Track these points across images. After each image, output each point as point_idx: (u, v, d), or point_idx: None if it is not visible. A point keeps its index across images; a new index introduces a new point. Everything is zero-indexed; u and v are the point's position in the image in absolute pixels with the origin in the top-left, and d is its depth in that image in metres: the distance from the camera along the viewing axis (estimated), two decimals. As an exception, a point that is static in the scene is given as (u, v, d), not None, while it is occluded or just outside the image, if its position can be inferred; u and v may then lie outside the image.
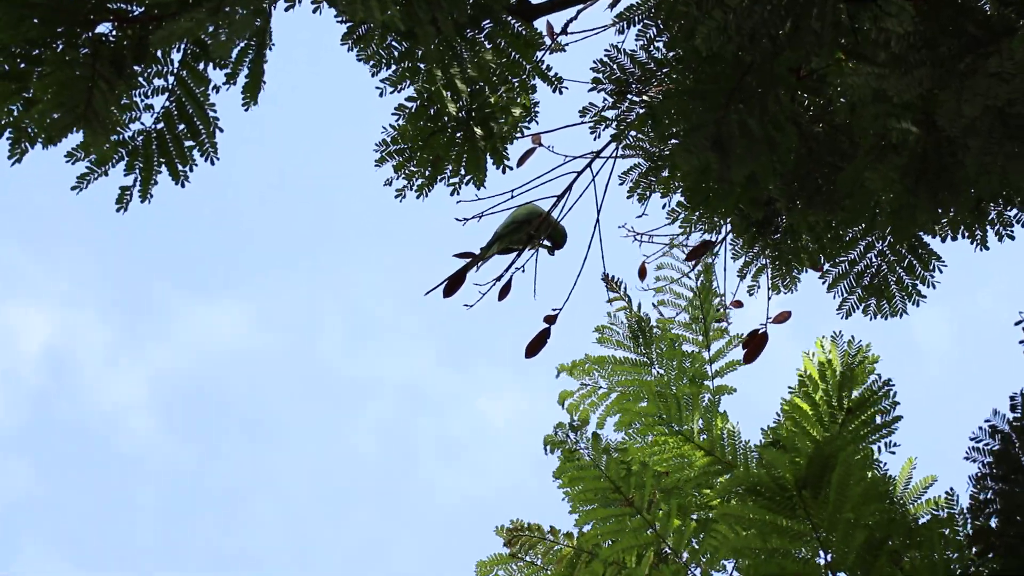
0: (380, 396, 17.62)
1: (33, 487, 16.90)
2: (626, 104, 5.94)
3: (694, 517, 6.26)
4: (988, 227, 5.90)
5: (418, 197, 6.00)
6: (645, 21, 5.79)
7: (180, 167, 5.33)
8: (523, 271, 6.52)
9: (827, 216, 5.97)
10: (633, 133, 6.03)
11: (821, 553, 5.55)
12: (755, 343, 6.59)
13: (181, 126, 5.27)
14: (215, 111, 5.29)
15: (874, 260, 6.25)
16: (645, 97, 5.91)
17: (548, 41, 5.95)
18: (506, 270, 6.48)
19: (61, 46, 4.82)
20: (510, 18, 5.68)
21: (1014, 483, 5.40)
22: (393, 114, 5.85)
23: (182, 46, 5.10)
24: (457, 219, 6.51)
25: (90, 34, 4.87)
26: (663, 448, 6.40)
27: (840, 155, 5.94)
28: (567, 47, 6.07)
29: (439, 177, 5.95)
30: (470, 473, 17.21)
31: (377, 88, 5.62)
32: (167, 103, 5.28)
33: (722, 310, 6.64)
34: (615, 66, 5.91)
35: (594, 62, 5.88)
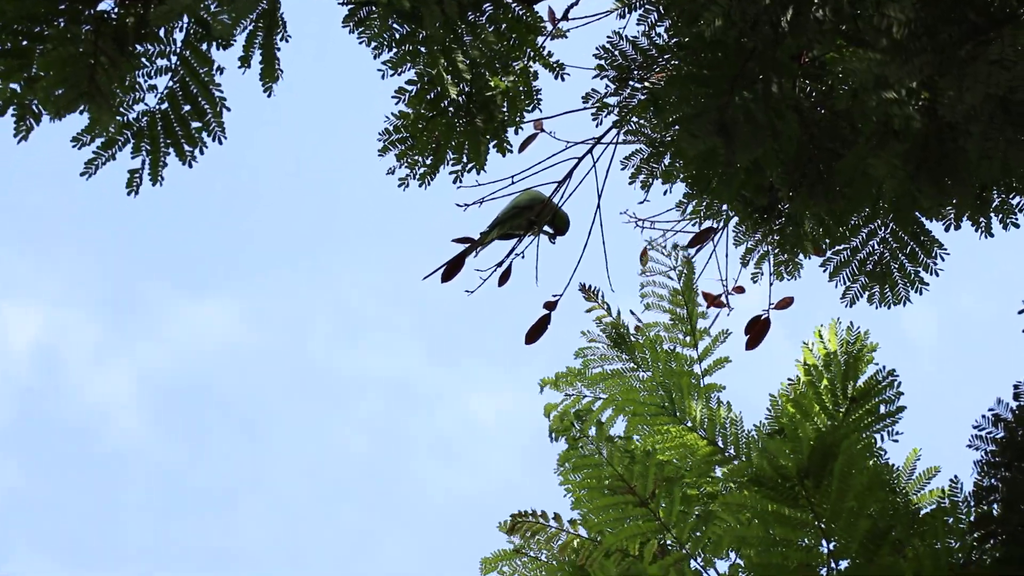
0: (370, 393, 17.60)
1: (21, 485, 16.89)
2: (628, 90, 5.95)
3: (697, 511, 6.24)
4: (992, 215, 5.90)
5: (420, 185, 6.00)
6: (646, 6, 5.80)
7: (187, 148, 5.34)
8: (523, 257, 6.53)
9: (829, 204, 5.97)
10: (635, 119, 6.03)
11: (823, 542, 5.55)
12: (757, 329, 6.59)
13: (186, 106, 5.27)
14: (221, 91, 5.29)
15: (877, 247, 6.25)
16: (647, 83, 5.91)
17: (549, 27, 5.95)
18: (507, 256, 6.48)
19: (63, 23, 4.83)
20: (512, 2, 5.68)
21: (1018, 470, 5.40)
22: (393, 97, 5.85)
23: (184, 25, 5.10)
24: (458, 205, 6.51)
25: (92, 11, 4.87)
26: (665, 437, 6.39)
27: (841, 141, 5.94)
28: (568, 33, 6.07)
29: (441, 164, 5.95)
30: (461, 470, 17.20)
31: (379, 70, 5.63)
32: (171, 83, 5.29)
33: (707, 306, 6.63)
34: (617, 52, 5.92)
35: (597, 48, 5.90)
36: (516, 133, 5.93)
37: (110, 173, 5.40)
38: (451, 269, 6.52)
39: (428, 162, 5.95)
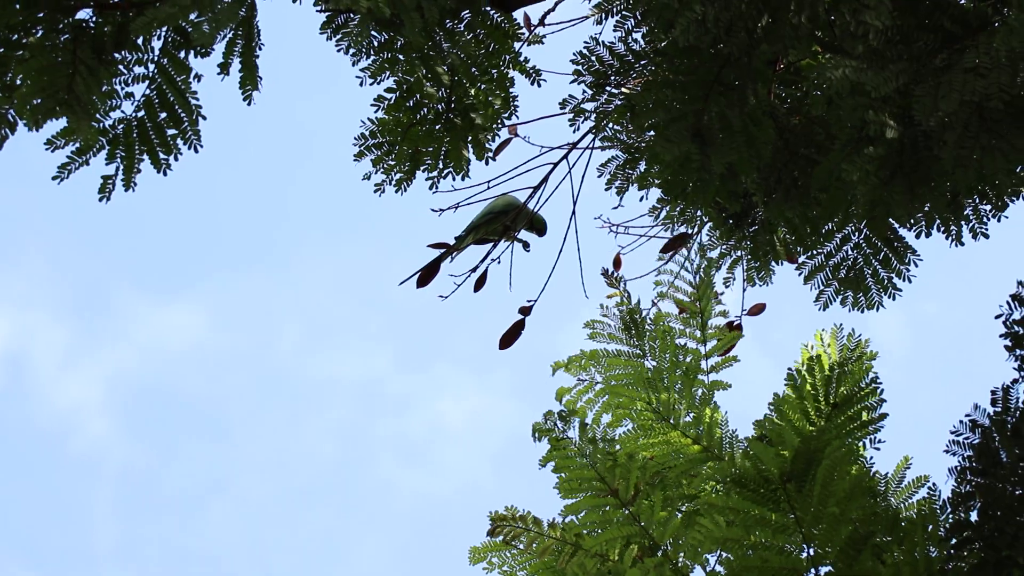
0: (338, 397, 17.57)
1: (-11, 490, 16.77)
2: (605, 96, 5.94)
3: (682, 508, 6.25)
4: (963, 223, 5.91)
5: (397, 191, 5.96)
6: (623, 13, 5.79)
7: (163, 155, 5.30)
8: (499, 263, 6.51)
9: (804, 209, 5.98)
10: (611, 125, 6.02)
11: (804, 547, 5.56)
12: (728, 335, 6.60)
13: (162, 114, 5.23)
14: (197, 99, 5.25)
15: (850, 253, 6.27)
16: (624, 89, 5.90)
17: (526, 32, 5.93)
18: (482, 262, 6.47)
19: (41, 32, 4.77)
20: (489, 9, 5.67)
21: (994, 477, 5.42)
22: (372, 105, 5.82)
23: (163, 33, 5.06)
24: (433, 210, 6.49)
25: (70, 20, 4.82)
26: (650, 434, 6.38)
27: (816, 147, 5.95)
28: (545, 38, 6.05)
29: (418, 170, 5.92)
30: (429, 473, 17.18)
31: (357, 78, 5.59)
32: (148, 91, 5.25)
33: (721, 307, 6.62)
34: (594, 58, 5.91)
35: (573, 54, 5.89)
36: (493, 139, 5.90)
37: (78, 176, 5.35)
38: (426, 274, 6.49)
39: (405, 168, 5.92)
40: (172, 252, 17.22)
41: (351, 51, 5.49)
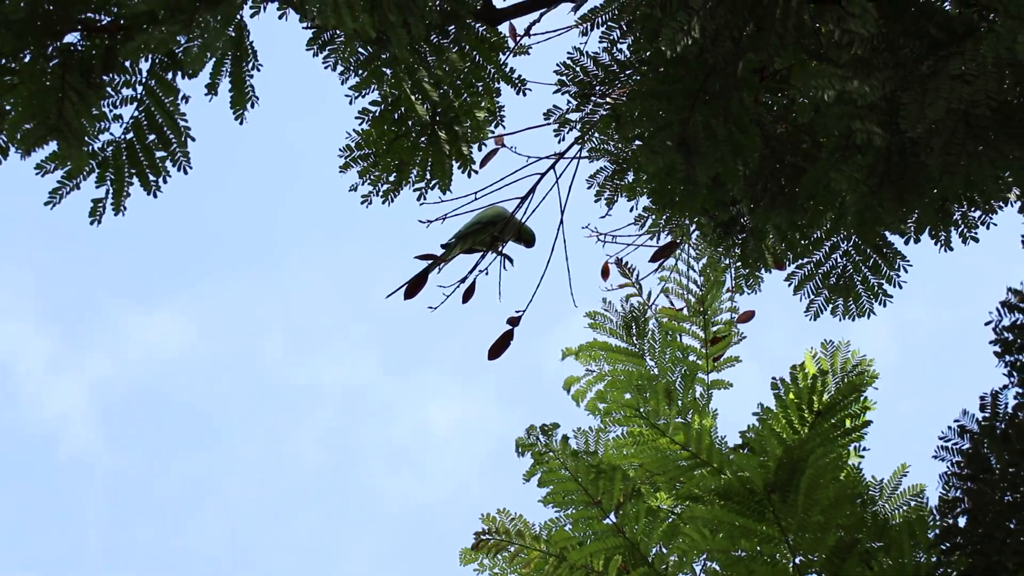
0: (325, 403, 17.56)
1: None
2: (590, 106, 5.93)
3: (669, 510, 6.24)
4: (952, 228, 5.92)
5: (384, 202, 5.96)
6: (608, 24, 5.78)
7: (152, 177, 5.29)
8: (487, 274, 6.51)
9: (791, 217, 5.98)
10: (597, 135, 6.01)
11: (790, 556, 5.56)
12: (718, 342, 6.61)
13: (151, 136, 5.21)
14: (186, 120, 5.23)
15: (840, 260, 6.27)
16: (609, 99, 5.90)
17: (511, 43, 5.93)
18: (470, 272, 6.47)
19: (29, 56, 4.76)
20: (474, 22, 5.66)
21: (983, 482, 5.43)
22: (357, 118, 5.81)
23: (150, 56, 5.04)
24: (421, 221, 6.49)
25: (58, 43, 4.80)
26: (638, 440, 6.38)
27: (803, 155, 5.95)
28: (530, 49, 6.05)
29: (405, 182, 5.92)
30: (416, 479, 17.19)
31: (346, 96, 5.59)
32: (136, 113, 5.23)
33: (730, 304, 6.62)
34: (578, 68, 5.90)
35: (558, 64, 5.88)
36: (479, 150, 5.90)
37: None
38: (414, 286, 6.49)
39: (391, 179, 5.91)
40: (157, 260, 17.22)
41: (338, 67, 5.50)
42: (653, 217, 6.36)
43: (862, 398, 6.12)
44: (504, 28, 5.91)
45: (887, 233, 6.17)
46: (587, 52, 5.88)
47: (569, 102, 5.93)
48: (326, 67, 5.47)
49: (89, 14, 4.80)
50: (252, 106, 5.16)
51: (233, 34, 4.86)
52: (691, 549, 5.67)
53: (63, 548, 16.61)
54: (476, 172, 5.90)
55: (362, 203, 5.96)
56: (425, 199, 5.99)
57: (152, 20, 4.59)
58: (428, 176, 5.92)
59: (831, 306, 6.26)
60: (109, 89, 5.04)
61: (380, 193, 5.96)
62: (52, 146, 4.93)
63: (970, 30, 5.38)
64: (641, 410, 6.31)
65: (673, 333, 6.58)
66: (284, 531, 16.91)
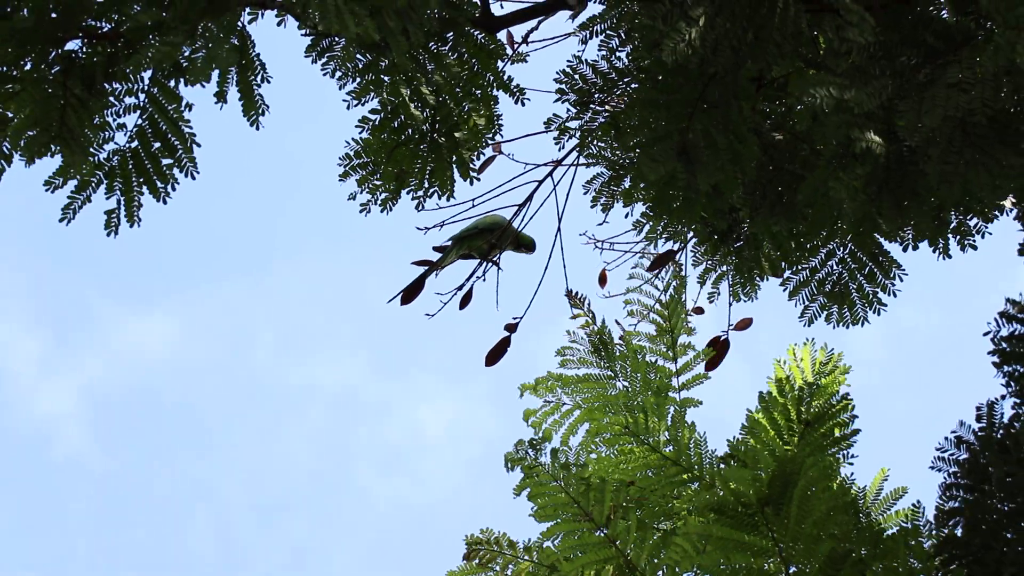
0: (315, 405, 17.55)
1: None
2: (589, 114, 5.93)
3: (659, 527, 6.25)
4: (950, 236, 5.93)
5: (383, 211, 5.96)
6: (607, 32, 5.78)
7: (160, 185, 5.28)
8: (484, 280, 6.51)
9: (790, 224, 5.98)
10: (596, 143, 6.01)
11: (783, 567, 5.56)
12: (717, 350, 6.60)
13: (156, 144, 5.21)
14: (191, 127, 5.23)
15: (835, 268, 6.27)
16: (608, 106, 5.90)
17: (509, 51, 5.93)
18: (467, 279, 6.47)
19: (30, 64, 4.75)
20: (473, 29, 5.66)
21: (982, 493, 5.44)
22: (357, 126, 5.81)
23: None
24: (418, 228, 6.49)
25: (59, 51, 4.80)
26: (629, 458, 6.39)
27: (801, 163, 5.95)
28: (528, 56, 6.05)
29: (404, 190, 5.91)
30: (407, 481, 17.18)
31: (344, 101, 5.59)
32: (140, 121, 5.22)
33: (689, 323, 6.62)
34: (577, 76, 5.90)
35: (557, 73, 5.88)
36: (478, 158, 5.90)
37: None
38: (411, 292, 6.50)
39: (390, 188, 5.91)
40: (148, 262, 17.19)
41: (337, 74, 5.49)
42: (651, 223, 6.36)
43: (850, 406, 6.13)
44: (502, 36, 5.90)
45: (884, 241, 6.18)
46: (586, 60, 5.89)
47: (568, 110, 5.93)
48: (324, 73, 5.47)
49: (91, 21, 4.79)
50: (263, 113, 5.16)
51: (237, 43, 4.86)
52: (684, 560, 5.67)
53: (54, 549, 16.59)
54: (478, 179, 5.91)
55: (360, 211, 5.96)
56: (424, 207, 6.00)
57: (155, 30, 4.59)
58: (428, 184, 5.92)
59: (826, 313, 6.27)
60: (112, 98, 5.03)
61: (379, 202, 5.96)
62: (58, 159, 4.93)
63: (967, 39, 5.39)
64: (629, 426, 6.33)
65: (641, 354, 6.58)
66: (275, 533, 16.90)
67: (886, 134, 5.44)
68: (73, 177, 5.07)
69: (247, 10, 5.01)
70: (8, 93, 4.71)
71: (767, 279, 6.41)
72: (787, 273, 6.30)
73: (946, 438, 5.60)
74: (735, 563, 5.52)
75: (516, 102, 5.87)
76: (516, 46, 6.05)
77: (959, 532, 5.50)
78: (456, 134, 5.76)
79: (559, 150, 6.00)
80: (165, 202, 5.30)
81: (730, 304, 6.54)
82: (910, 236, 5.99)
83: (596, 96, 5.92)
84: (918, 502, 5.74)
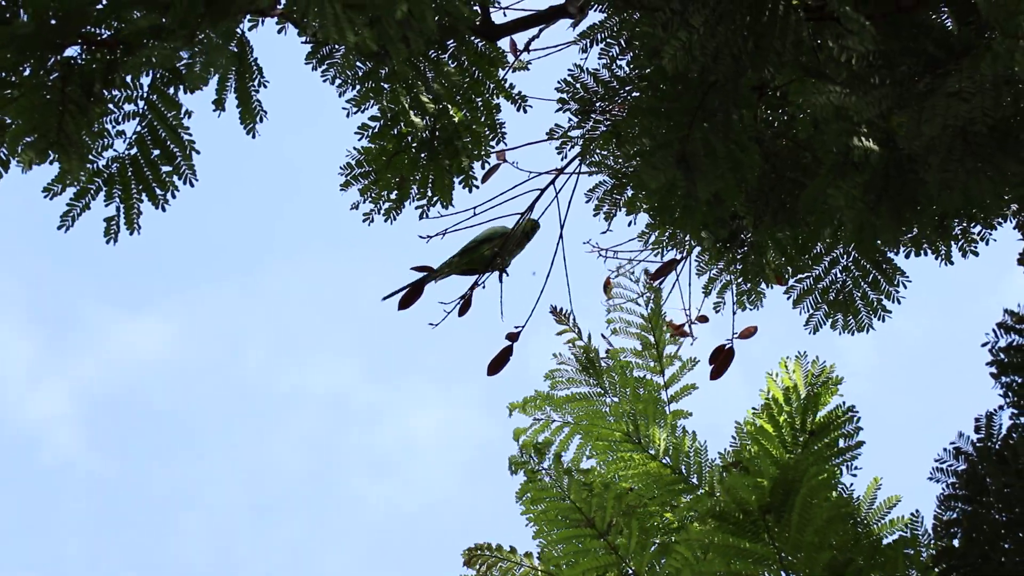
0: (306, 409, 17.57)
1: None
2: (591, 123, 5.95)
3: (656, 542, 6.23)
4: (952, 243, 5.93)
5: (386, 220, 5.99)
6: (608, 40, 5.80)
7: (159, 192, 5.30)
8: (484, 287, 6.53)
9: (792, 231, 5.99)
10: (598, 151, 6.03)
11: (783, 574, 5.55)
12: (721, 359, 6.60)
13: (155, 151, 5.23)
14: (190, 134, 5.25)
15: (839, 276, 6.27)
16: (609, 114, 5.91)
17: (511, 59, 5.95)
18: (469, 288, 6.48)
19: (28, 70, 4.78)
20: (474, 37, 5.69)
21: (981, 504, 5.42)
22: (356, 133, 5.83)
23: (151, 71, 5.07)
24: (421, 237, 6.50)
25: (58, 57, 4.83)
26: (628, 465, 6.37)
27: (803, 170, 5.96)
28: (530, 64, 6.09)
29: (406, 199, 5.94)
30: (399, 486, 17.17)
31: (343, 108, 5.62)
32: (139, 128, 5.25)
33: (671, 335, 6.59)
34: (579, 85, 5.91)
35: (559, 81, 5.89)
36: (483, 167, 5.93)
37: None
38: (409, 297, 6.51)
39: (393, 197, 5.93)
40: (140, 265, 17.27)
41: (337, 81, 5.53)
42: (656, 233, 6.37)
43: (855, 418, 6.10)
44: (504, 44, 5.93)
45: (887, 249, 6.18)
46: (587, 69, 5.90)
47: (570, 119, 5.95)
48: (324, 80, 5.51)
49: (90, 28, 4.82)
50: (260, 120, 5.19)
51: (236, 50, 4.89)
52: (684, 567, 5.66)
53: (46, 552, 16.65)
54: (478, 187, 5.93)
55: (364, 221, 5.99)
56: (427, 216, 6.02)
57: (154, 35, 4.62)
58: (429, 193, 5.94)
59: (830, 321, 6.27)
60: (111, 105, 5.06)
61: (382, 212, 5.98)
62: (56, 167, 4.96)
63: (968, 48, 5.39)
64: (629, 433, 6.32)
65: (628, 369, 6.57)
66: (266, 538, 16.93)
67: (886, 143, 5.44)
68: (72, 184, 5.10)
69: (247, 17, 5.05)
70: (6, 99, 4.74)
71: (772, 287, 6.41)
72: (791, 281, 6.30)
73: (945, 449, 5.58)
74: (735, 570, 5.51)
75: (518, 109, 5.89)
76: (519, 54, 6.08)
77: (957, 543, 5.48)
78: (456, 142, 5.78)
79: (561, 159, 6.02)
80: (164, 209, 5.33)
81: (734, 313, 6.54)
82: (911, 244, 5.99)
83: (597, 105, 5.93)
84: (917, 511, 5.72)
